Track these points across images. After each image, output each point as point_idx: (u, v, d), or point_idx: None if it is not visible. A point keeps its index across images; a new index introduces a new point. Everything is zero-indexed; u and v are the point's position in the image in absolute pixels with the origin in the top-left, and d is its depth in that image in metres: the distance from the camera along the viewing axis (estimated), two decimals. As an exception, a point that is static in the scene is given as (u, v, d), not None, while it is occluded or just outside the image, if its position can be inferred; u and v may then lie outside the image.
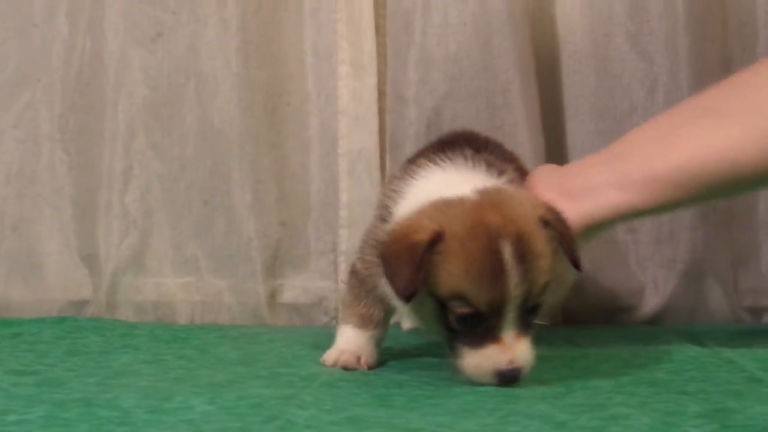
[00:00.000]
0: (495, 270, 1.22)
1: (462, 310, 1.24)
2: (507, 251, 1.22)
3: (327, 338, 1.71)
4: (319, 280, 2.05)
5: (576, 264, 1.32)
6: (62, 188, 2.07)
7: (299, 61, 2.07)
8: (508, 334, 1.24)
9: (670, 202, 1.41)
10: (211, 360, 1.49)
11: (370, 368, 1.42)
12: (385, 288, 1.35)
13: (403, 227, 1.29)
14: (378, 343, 1.46)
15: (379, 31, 2.04)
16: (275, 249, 2.05)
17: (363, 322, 1.45)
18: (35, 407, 1.07)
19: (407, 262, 1.24)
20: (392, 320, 1.53)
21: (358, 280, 1.46)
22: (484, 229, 1.24)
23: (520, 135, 1.96)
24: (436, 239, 1.24)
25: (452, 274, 1.24)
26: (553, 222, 1.30)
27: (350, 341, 1.45)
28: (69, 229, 2.07)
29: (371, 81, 2.03)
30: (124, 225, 2.05)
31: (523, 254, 1.24)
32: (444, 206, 1.29)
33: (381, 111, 2.03)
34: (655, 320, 2.00)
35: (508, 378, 1.24)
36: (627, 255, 2.02)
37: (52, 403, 1.10)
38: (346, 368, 1.41)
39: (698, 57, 1.97)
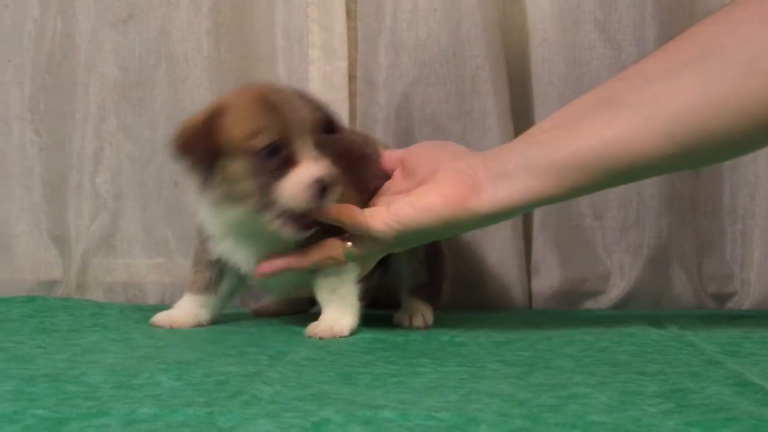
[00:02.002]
0: (275, 106, 1.46)
1: (261, 142, 1.43)
2: (280, 95, 1.48)
3: (297, 318, 1.73)
4: (288, 263, 2.06)
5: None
6: (32, 169, 2.07)
7: (270, 44, 2.08)
8: (308, 155, 1.46)
9: (575, 188, 1.43)
10: (180, 339, 1.49)
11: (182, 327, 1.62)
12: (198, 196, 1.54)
13: (185, 121, 1.52)
14: (210, 306, 1.66)
15: (350, 15, 2.05)
16: (245, 231, 2.06)
17: (194, 288, 1.65)
18: (3, 382, 1.08)
19: (194, 131, 1.48)
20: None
21: (194, 249, 1.66)
22: (255, 90, 1.50)
23: (489, 121, 1.98)
24: (217, 110, 1.48)
25: (242, 118, 1.45)
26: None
27: (180, 304, 1.66)
28: (39, 210, 2.07)
29: (342, 65, 2.04)
30: (95, 206, 2.06)
31: (295, 95, 1.51)
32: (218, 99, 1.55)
33: (351, 95, 2.04)
34: (621, 305, 2.02)
35: (322, 185, 1.44)
36: (593, 240, 2.05)
37: (20, 378, 1.11)
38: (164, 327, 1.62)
39: (666, 45, 1.99)
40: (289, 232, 1.47)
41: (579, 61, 2.03)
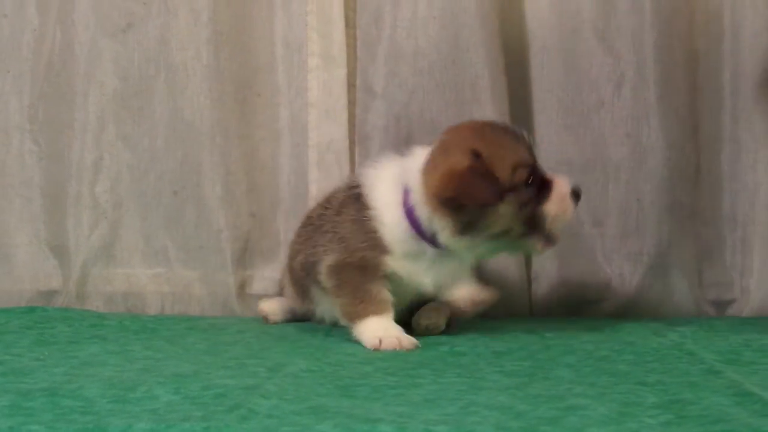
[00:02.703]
0: (515, 136, 1.58)
1: (525, 172, 1.53)
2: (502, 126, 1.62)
3: (295, 329, 1.73)
4: (288, 272, 2.06)
5: None
6: (32, 179, 2.07)
7: (270, 52, 2.07)
8: (550, 174, 1.57)
9: None
10: (179, 350, 1.49)
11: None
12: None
13: (445, 166, 1.54)
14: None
15: (349, 23, 2.05)
16: (245, 240, 2.06)
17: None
18: (0, 397, 1.08)
19: (475, 175, 1.51)
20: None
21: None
22: (480, 126, 1.61)
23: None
24: (473, 152, 1.53)
25: (498, 156, 1.53)
26: None
27: (387, 326, 1.59)
28: (38, 220, 2.07)
29: (341, 73, 2.04)
30: (94, 216, 2.05)
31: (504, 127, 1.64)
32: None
33: (350, 103, 2.04)
34: (621, 313, 2.02)
35: (577, 192, 1.58)
36: (594, 248, 2.04)
37: (17, 392, 1.11)
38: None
39: (664, 53, 1.99)
40: (545, 249, 1.61)
41: (578, 68, 2.02)
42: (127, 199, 2.06)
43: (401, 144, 1.99)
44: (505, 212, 1.52)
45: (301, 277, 1.73)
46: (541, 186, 1.55)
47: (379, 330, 1.54)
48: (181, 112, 2.04)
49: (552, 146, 2.01)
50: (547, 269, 2.04)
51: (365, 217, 1.59)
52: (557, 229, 1.60)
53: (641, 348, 1.52)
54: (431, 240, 1.58)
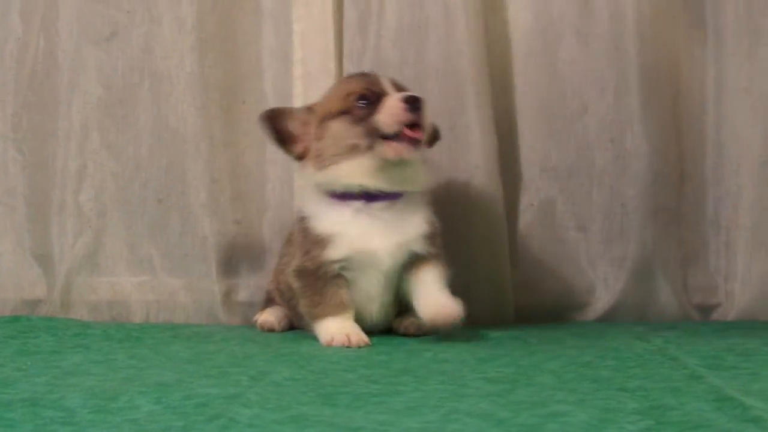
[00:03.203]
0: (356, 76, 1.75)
1: (353, 96, 1.67)
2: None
3: (280, 337, 1.73)
4: (274, 279, 2.06)
5: None
6: (15, 187, 2.07)
7: (255, 60, 2.08)
8: (392, 93, 1.68)
9: None
10: (162, 359, 1.49)
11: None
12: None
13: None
14: None
15: (336, 33, 2.05)
16: (230, 248, 2.06)
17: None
18: (-19, 408, 1.08)
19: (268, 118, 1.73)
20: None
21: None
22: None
23: (473, 136, 1.98)
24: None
25: (333, 94, 1.73)
26: None
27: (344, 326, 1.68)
28: (22, 229, 2.07)
29: (327, 82, 2.03)
30: (78, 224, 2.05)
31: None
32: None
33: (336, 111, 2.04)
34: (606, 317, 2.02)
35: (411, 101, 1.64)
36: (578, 253, 2.05)
37: (-2, 403, 1.10)
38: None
39: (647, 58, 2.00)
40: (399, 153, 1.65)
41: (561, 75, 2.03)
42: (111, 207, 2.06)
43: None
44: (339, 128, 1.67)
45: (287, 289, 1.80)
46: (375, 103, 1.66)
47: (333, 328, 1.65)
48: (165, 119, 2.04)
49: (536, 152, 2.02)
50: (532, 274, 2.04)
51: (305, 223, 1.72)
52: (394, 131, 1.64)
53: (624, 353, 1.52)
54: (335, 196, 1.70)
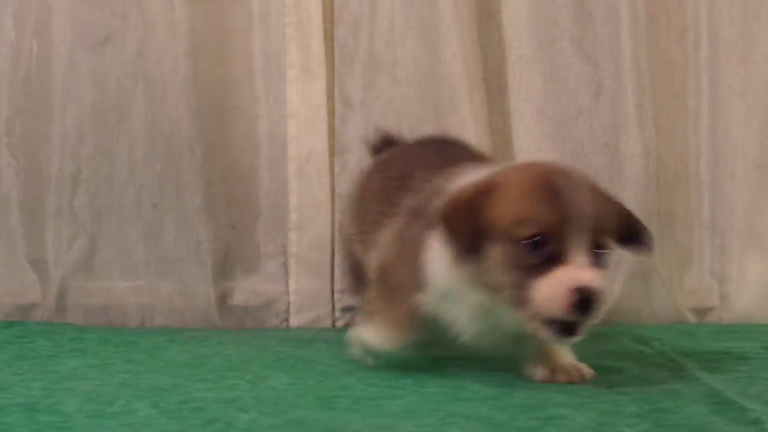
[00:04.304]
0: (553, 193, 1.23)
1: (526, 232, 1.21)
2: (564, 181, 1.24)
3: (276, 341, 1.73)
4: (269, 283, 2.05)
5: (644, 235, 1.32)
6: (9, 193, 2.05)
7: (248, 64, 2.07)
8: (579, 257, 1.21)
9: None
10: (159, 363, 1.49)
11: None
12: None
13: (456, 193, 1.30)
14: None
15: (328, 35, 2.05)
16: (225, 252, 2.05)
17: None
18: (-24, 413, 1.07)
19: (461, 206, 1.26)
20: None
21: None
22: (537, 170, 1.28)
23: (467, 139, 1.97)
24: (491, 187, 1.26)
25: (512, 200, 1.24)
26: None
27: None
28: (16, 234, 2.06)
29: (320, 85, 2.04)
30: (73, 229, 2.04)
31: (583, 184, 1.26)
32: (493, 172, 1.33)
33: (330, 115, 2.04)
34: (602, 320, 2.01)
35: (584, 297, 1.18)
36: (573, 256, 2.04)
37: (-7, 408, 1.10)
38: None
39: (642, 61, 2.00)
40: (548, 338, 1.25)
41: (556, 77, 2.03)
42: (106, 212, 2.05)
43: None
44: (492, 263, 1.25)
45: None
46: (550, 260, 1.21)
47: (374, 339, 1.40)
48: (159, 125, 2.04)
49: (530, 155, 2.01)
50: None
51: (420, 262, 1.36)
52: (552, 317, 1.22)
53: (622, 356, 1.52)
54: None
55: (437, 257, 1.32)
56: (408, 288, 1.37)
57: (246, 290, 2.06)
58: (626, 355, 1.53)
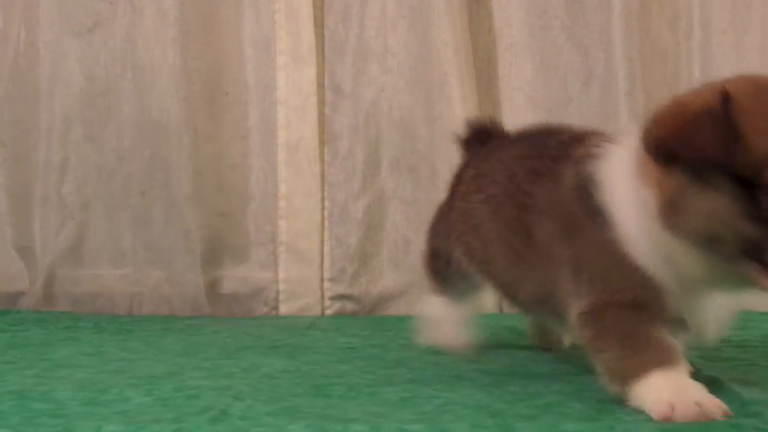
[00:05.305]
0: None
1: None
2: None
3: (272, 329, 1.72)
4: (258, 271, 2.05)
5: None
6: (-4, 180, 2.04)
7: (238, 51, 2.06)
8: None
9: None
10: (154, 351, 1.48)
11: None
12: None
13: (677, 103, 1.04)
14: None
15: (318, 22, 2.04)
16: (214, 240, 2.04)
17: None
18: (-31, 401, 1.06)
19: (708, 118, 0.97)
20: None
21: None
22: None
23: (457, 127, 1.97)
24: (725, 100, 0.97)
25: (763, 131, 0.94)
26: None
27: None
28: (4, 222, 2.05)
29: (310, 72, 2.03)
30: (61, 217, 2.03)
31: None
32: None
33: (320, 102, 2.03)
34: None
35: None
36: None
37: (-14, 396, 1.09)
38: None
39: (633, 50, 2.00)
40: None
41: (547, 66, 2.03)
42: (94, 199, 2.04)
43: (372, 143, 1.99)
44: (712, 204, 0.97)
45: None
46: None
47: (670, 390, 1.02)
48: (148, 111, 2.02)
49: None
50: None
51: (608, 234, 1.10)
52: None
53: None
54: None
55: (643, 235, 1.06)
56: (637, 296, 1.09)
57: (235, 278, 2.05)
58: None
